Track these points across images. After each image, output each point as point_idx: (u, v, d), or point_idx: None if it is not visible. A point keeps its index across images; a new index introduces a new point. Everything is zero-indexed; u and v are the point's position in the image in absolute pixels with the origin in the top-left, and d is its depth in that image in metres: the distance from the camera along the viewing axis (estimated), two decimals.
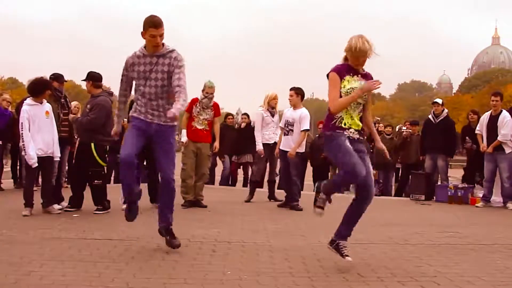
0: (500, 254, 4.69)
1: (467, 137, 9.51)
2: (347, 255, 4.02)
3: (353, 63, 4.11)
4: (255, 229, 5.74)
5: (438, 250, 4.79)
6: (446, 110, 9.95)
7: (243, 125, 11.93)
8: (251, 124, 11.79)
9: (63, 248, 4.48)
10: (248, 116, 12.15)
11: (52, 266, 3.84)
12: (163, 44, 4.32)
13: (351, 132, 4.08)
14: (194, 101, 7.62)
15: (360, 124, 4.15)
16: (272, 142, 8.13)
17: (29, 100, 6.40)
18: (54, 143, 6.51)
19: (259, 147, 8.06)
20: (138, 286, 3.43)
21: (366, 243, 4.98)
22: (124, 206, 6.90)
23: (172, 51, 4.34)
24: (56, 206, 6.59)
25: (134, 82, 4.49)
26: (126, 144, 4.32)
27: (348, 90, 4.05)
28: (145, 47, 4.35)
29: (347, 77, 4.10)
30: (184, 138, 7.60)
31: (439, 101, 10.28)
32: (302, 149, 7.86)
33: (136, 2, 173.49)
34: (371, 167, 4.15)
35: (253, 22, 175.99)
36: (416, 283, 3.64)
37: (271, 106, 8.26)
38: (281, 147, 7.82)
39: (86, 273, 3.69)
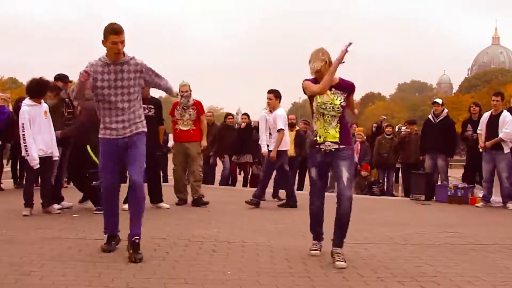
0: (500, 254, 4.70)
1: (468, 125, 9.42)
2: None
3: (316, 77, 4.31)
4: (255, 229, 5.74)
5: (438, 250, 4.79)
6: (446, 110, 9.95)
7: (243, 125, 11.93)
8: (251, 124, 11.82)
9: (63, 248, 4.48)
10: (248, 116, 12.16)
11: (52, 266, 3.84)
12: (123, 53, 4.22)
13: (327, 145, 4.26)
14: (175, 104, 7.82)
15: (338, 135, 4.26)
16: None
17: (28, 101, 6.39)
18: (53, 142, 6.52)
19: (264, 149, 8.07)
20: (138, 286, 3.44)
21: (366, 243, 4.98)
22: (125, 206, 6.96)
23: (133, 57, 4.26)
24: (56, 206, 6.60)
25: (96, 92, 4.29)
26: (104, 171, 4.29)
27: (319, 104, 4.27)
28: (106, 56, 4.24)
29: None
30: (170, 143, 7.80)
31: (439, 101, 10.28)
32: (286, 147, 7.95)
33: (136, 3, 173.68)
34: (345, 176, 4.22)
35: (253, 22, 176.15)
36: (416, 283, 3.65)
37: None
38: (270, 149, 7.89)
39: (86, 273, 3.69)
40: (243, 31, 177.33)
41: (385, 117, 13.94)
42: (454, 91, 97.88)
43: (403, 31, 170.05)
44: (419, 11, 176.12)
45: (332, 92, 4.27)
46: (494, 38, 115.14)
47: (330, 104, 4.25)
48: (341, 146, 4.25)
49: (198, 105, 7.77)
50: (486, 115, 8.77)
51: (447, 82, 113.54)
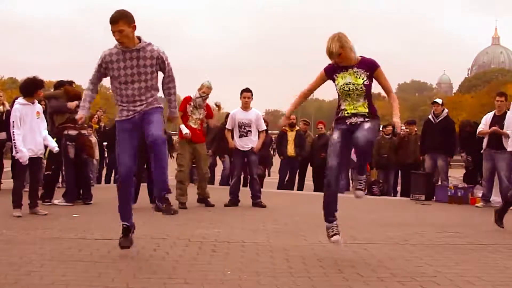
0: (500, 254, 4.69)
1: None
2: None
3: (339, 63, 4.32)
4: (255, 229, 5.74)
5: (438, 250, 4.79)
6: (446, 110, 9.95)
7: None
8: None
9: (63, 248, 4.48)
10: None
11: (52, 266, 3.84)
12: (139, 39, 4.19)
13: (353, 120, 4.31)
14: (187, 99, 7.66)
15: (367, 110, 4.32)
16: None
17: (21, 100, 6.43)
18: (48, 140, 6.58)
19: None
20: (138, 286, 3.43)
21: (366, 243, 4.98)
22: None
23: (150, 44, 4.22)
24: (42, 211, 6.51)
25: (113, 80, 4.26)
26: (122, 156, 4.20)
27: (341, 86, 4.34)
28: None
29: (340, 75, 4.34)
30: (185, 130, 7.34)
31: (439, 101, 10.29)
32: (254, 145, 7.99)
33: (137, 2, 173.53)
34: (366, 125, 4.24)
35: (254, 21, 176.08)
36: (416, 283, 3.64)
37: None
38: (239, 148, 7.96)
39: (86, 273, 3.69)
40: (243, 30, 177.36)
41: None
42: (454, 91, 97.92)
43: (403, 31, 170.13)
44: (419, 11, 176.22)
45: (355, 70, 4.30)
46: (494, 38, 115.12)
47: (353, 84, 4.29)
48: (367, 119, 4.27)
49: (209, 108, 7.81)
50: (489, 116, 8.73)
51: (447, 82, 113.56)
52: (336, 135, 4.38)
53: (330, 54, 4.25)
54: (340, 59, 4.27)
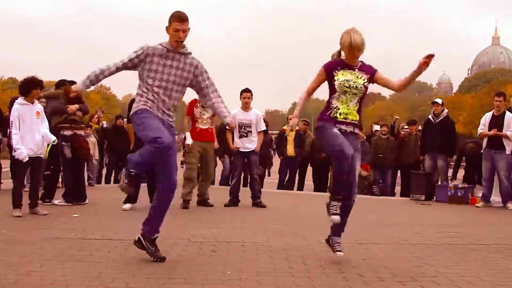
0: (500, 254, 4.69)
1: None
2: (338, 251, 4.23)
3: (349, 59, 4.25)
4: (255, 229, 5.74)
5: (438, 250, 4.79)
6: (446, 110, 9.95)
7: None
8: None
9: (63, 248, 4.48)
10: None
11: (52, 266, 3.84)
12: (184, 45, 4.19)
13: (343, 125, 4.18)
14: (193, 102, 7.64)
15: (358, 116, 4.25)
16: None
17: (20, 99, 6.43)
18: (48, 136, 6.58)
19: None
20: (138, 286, 3.43)
21: (366, 243, 4.98)
22: (125, 206, 6.96)
23: (191, 53, 4.23)
24: (42, 211, 6.48)
25: (145, 74, 4.12)
26: (160, 131, 3.93)
27: (342, 82, 4.21)
28: (168, 43, 4.17)
29: (340, 72, 4.24)
30: (189, 141, 7.48)
31: (439, 101, 10.29)
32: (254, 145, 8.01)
33: (138, 2, 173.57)
34: (358, 166, 4.21)
35: (254, 22, 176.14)
36: (416, 283, 3.64)
37: None
38: (241, 149, 7.96)
39: (86, 273, 3.69)
40: (243, 30, 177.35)
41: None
42: (454, 91, 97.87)
43: (403, 31, 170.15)
44: (419, 11, 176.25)
45: (356, 71, 4.25)
46: (494, 38, 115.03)
47: (354, 82, 4.21)
48: (356, 131, 4.25)
49: None
50: (487, 116, 8.74)
51: (447, 82, 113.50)
52: (335, 129, 4.14)
53: (358, 46, 4.13)
54: (358, 54, 4.21)
